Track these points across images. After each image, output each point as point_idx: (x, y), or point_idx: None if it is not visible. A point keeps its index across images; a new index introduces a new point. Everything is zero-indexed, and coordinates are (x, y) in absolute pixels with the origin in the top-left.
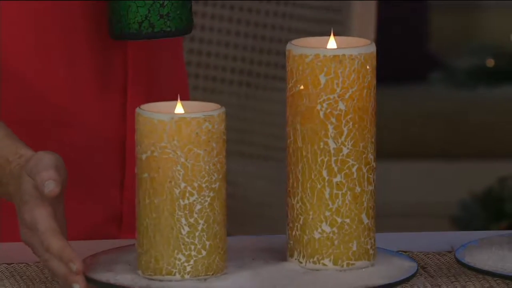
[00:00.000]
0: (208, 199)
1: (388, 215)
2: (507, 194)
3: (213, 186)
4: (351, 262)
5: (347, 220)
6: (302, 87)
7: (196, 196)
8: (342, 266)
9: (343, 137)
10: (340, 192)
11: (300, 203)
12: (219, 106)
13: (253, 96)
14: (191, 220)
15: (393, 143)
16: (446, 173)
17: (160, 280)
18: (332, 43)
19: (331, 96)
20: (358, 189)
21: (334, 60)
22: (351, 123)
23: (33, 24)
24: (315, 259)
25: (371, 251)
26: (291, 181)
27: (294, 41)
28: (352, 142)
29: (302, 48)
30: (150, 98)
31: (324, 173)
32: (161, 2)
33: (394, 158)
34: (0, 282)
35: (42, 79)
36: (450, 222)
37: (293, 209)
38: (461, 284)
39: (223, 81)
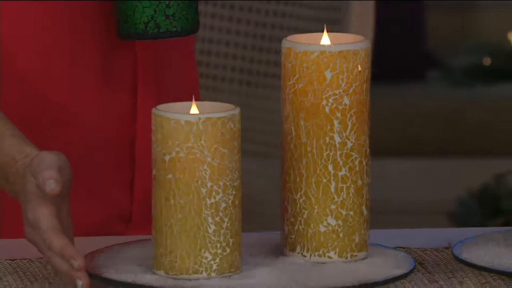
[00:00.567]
0: (231, 197)
1: (386, 212)
2: (503, 191)
3: (235, 184)
4: (354, 253)
5: (351, 213)
6: (304, 84)
7: (221, 194)
8: (346, 258)
9: (347, 131)
10: (344, 186)
11: (304, 198)
12: (233, 106)
13: (253, 94)
14: (217, 219)
15: (391, 141)
16: (443, 171)
17: (188, 279)
18: (325, 39)
19: (337, 91)
20: (360, 181)
21: (339, 56)
22: (354, 117)
23: (38, 23)
24: (320, 252)
25: (367, 242)
26: (292, 176)
27: (289, 38)
28: (355, 135)
29: (307, 45)
30: (160, 97)
31: (330, 167)
32: (167, 2)
33: (392, 156)
34: (3, 278)
35: (47, 78)
36: (447, 218)
37: (296, 204)
38: (458, 280)
39: (223, 79)
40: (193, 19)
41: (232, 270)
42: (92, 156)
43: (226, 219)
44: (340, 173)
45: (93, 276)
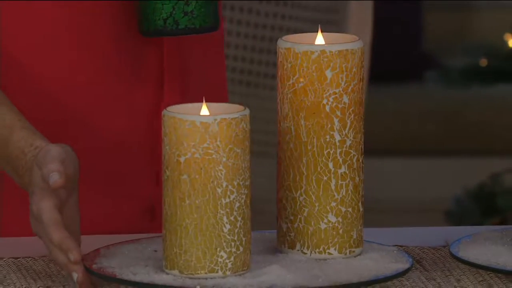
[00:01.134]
0: (244, 196)
1: (384, 211)
2: (499, 190)
3: (246, 183)
4: (352, 249)
5: (350, 209)
6: (304, 84)
7: (235, 194)
8: (346, 254)
9: (346, 129)
10: (344, 183)
11: (304, 196)
12: (242, 107)
13: (253, 94)
14: (232, 218)
15: (390, 140)
16: (440, 170)
17: (205, 278)
18: (320, 39)
19: (337, 90)
20: (357, 178)
21: (339, 55)
22: (352, 115)
23: (59, 23)
24: (321, 249)
25: (363, 238)
26: (291, 175)
27: (285, 38)
28: (353, 133)
29: (307, 45)
30: (186, 94)
31: (330, 165)
32: (185, 0)
33: (390, 155)
34: (7, 276)
35: (71, 78)
36: (444, 217)
37: (295, 202)
38: (455, 277)
39: None
40: (213, 17)
41: (245, 268)
42: (118, 153)
43: (239, 218)
44: (340, 171)
45: (107, 277)
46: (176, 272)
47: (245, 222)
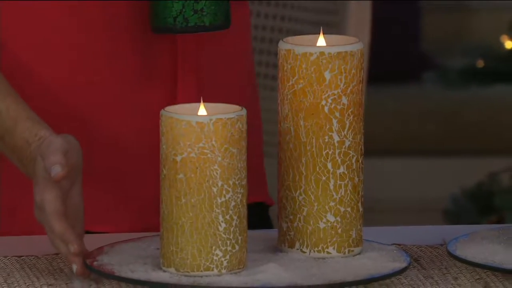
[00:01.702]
0: (240, 195)
1: (383, 210)
2: (496, 189)
3: (242, 183)
4: (351, 249)
5: (348, 209)
6: (303, 85)
7: (231, 193)
8: (344, 253)
9: (345, 130)
10: (342, 183)
11: (303, 195)
12: (239, 106)
13: None
14: (227, 217)
15: (388, 140)
16: (438, 169)
17: (200, 276)
18: (321, 41)
19: (335, 92)
20: (356, 179)
21: (338, 57)
22: (351, 116)
23: (72, 21)
24: (319, 248)
25: (362, 237)
26: (291, 175)
27: (286, 40)
28: (352, 134)
29: (306, 47)
30: (202, 90)
31: (329, 165)
32: None
33: (389, 154)
34: (11, 274)
35: (85, 74)
36: (442, 216)
37: (295, 202)
38: (453, 275)
39: None
40: (223, 15)
41: (241, 266)
42: (131, 149)
43: (235, 217)
44: (338, 171)
45: (105, 275)
46: (172, 270)
47: (241, 221)
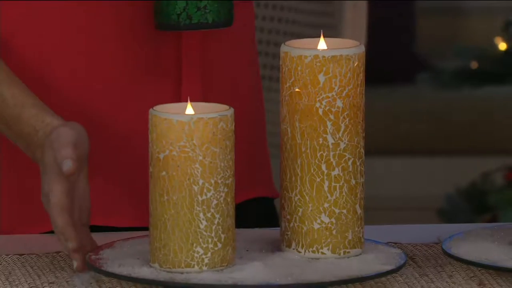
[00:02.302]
0: (223, 194)
1: (378, 208)
2: (490, 188)
3: (226, 182)
4: (347, 250)
5: (344, 211)
6: (299, 87)
7: (213, 191)
8: (340, 254)
9: (340, 133)
10: (337, 185)
11: (299, 196)
12: (227, 106)
13: None
14: (208, 215)
15: (383, 140)
16: (433, 169)
17: (180, 273)
18: (322, 44)
19: (330, 95)
20: (353, 181)
21: (332, 60)
22: (347, 119)
23: (77, 19)
24: (314, 248)
25: (362, 240)
26: (288, 175)
27: (287, 43)
28: (348, 137)
29: (301, 49)
30: (207, 88)
31: (323, 167)
32: None
33: (384, 154)
34: (12, 272)
35: (90, 71)
36: (437, 215)
37: (291, 202)
38: (448, 273)
39: None
40: (226, 13)
41: (224, 264)
42: (137, 144)
43: (217, 216)
44: (333, 173)
45: (93, 268)
46: (157, 265)
47: (224, 219)
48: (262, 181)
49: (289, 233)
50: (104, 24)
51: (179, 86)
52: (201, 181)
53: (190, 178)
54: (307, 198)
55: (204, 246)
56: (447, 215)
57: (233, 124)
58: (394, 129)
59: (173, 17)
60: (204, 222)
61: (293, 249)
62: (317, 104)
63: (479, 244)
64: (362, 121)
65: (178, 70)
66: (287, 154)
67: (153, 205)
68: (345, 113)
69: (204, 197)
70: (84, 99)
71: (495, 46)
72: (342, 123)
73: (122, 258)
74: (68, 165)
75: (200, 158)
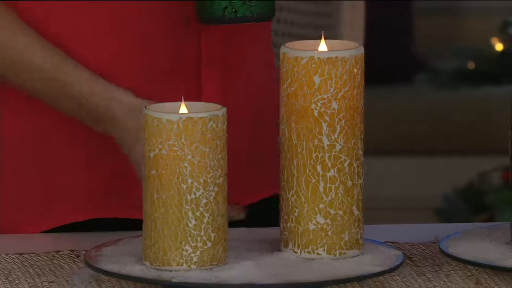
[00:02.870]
0: (213, 194)
1: (376, 208)
2: (487, 188)
3: (217, 181)
4: (343, 251)
5: (340, 212)
6: (295, 88)
7: (202, 191)
8: (335, 255)
9: (336, 134)
10: (333, 186)
11: (295, 197)
12: (220, 106)
13: None
14: (197, 214)
15: (381, 140)
16: (430, 169)
17: (169, 271)
18: (323, 46)
19: (325, 96)
20: (349, 182)
21: (328, 62)
22: (343, 121)
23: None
24: (309, 249)
25: (360, 241)
26: (285, 176)
27: (288, 44)
28: (344, 138)
29: (297, 51)
30: (226, 86)
31: (318, 168)
32: None
33: (382, 154)
34: (12, 271)
35: (114, 68)
36: (434, 214)
37: (288, 202)
38: (445, 273)
39: None
40: (269, 5)
41: (214, 263)
42: None
43: (206, 214)
44: (328, 174)
45: (86, 263)
46: (147, 263)
47: (214, 218)
48: (271, 182)
49: (286, 233)
50: (127, 24)
51: (200, 83)
52: (190, 180)
53: (179, 177)
54: (303, 198)
55: (193, 244)
56: (445, 214)
57: (225, 124)
58: (392, 129)
59: (218, 11)
60: (193, 221)
61: (290, 249)
62: (313, 106)
63: (476, 243)
64: (360, 123)
65: (198, 66)
66: (285, 155)
67: (145, 203)
68: (341, 115)
69: (193, 196)
70: None
71: (493, 46)
72: (337, 124)
73: (119, 255)
74: None
75: (189, 157)
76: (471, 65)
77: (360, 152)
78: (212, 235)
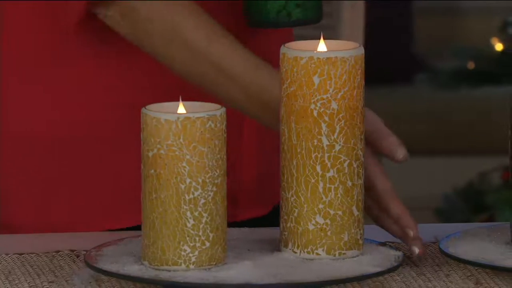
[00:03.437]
0: (211, 194)
1: None
2: (487, 188)
3: (215, 181)
4: (342, 251)
5: (339, 212)
6: (294, 88)
7: (200, 191)
8: (335, 255)
9: (335, 135)
10: (332, 186)
11: (294, 197)
12: (219, 106)
13: None
14: (196, 214)
15: None
16: (430, 169)
17: (167, 270)
18: (322, 46)
19: (324, 96)
20: (349, 183)
21: (327, 62)
22: (343, 121)
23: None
24: (309, 249)
25: (360, 241)
26: (285, 176)
27: (287, 44)
28: (343, 139)
29: (296, 51)
30: None
31: (318, 168)
32: None
33: (380, 154)
34: (12, 271)
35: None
36: (434, 214)
37: (288, 202)
38: (445, 273)
39: None
40: (319, 8)
41: (212, 263)
42: None
43: (205, 214)
44: (328, 174)
45: (86, 263)
46: (146, 263)
47: (212, 218)
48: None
49: (286, 233)
50: None
51: None
52: (188, 180)
53: (177, 176)
54: (302, 199)
55: (191, 244)
56: (445, 214)
57: (224, 124)
58: (392, 129)
59: (272, 15)
60: (191, 221)
61: (290, 249)
62: (312, 106)
63: (476, 243)
64: (359, 123)
65: None
66: (284, 155)
67: (144, 203)
68: (340, 115)
69: (191, 196)
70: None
71: (492, 47)
72: (337, 125)
73: (119, 255)
74: (403, 153)
75: (188, 157)
76: (471, 65)
77: (360, 153)
78: (211, 235)
